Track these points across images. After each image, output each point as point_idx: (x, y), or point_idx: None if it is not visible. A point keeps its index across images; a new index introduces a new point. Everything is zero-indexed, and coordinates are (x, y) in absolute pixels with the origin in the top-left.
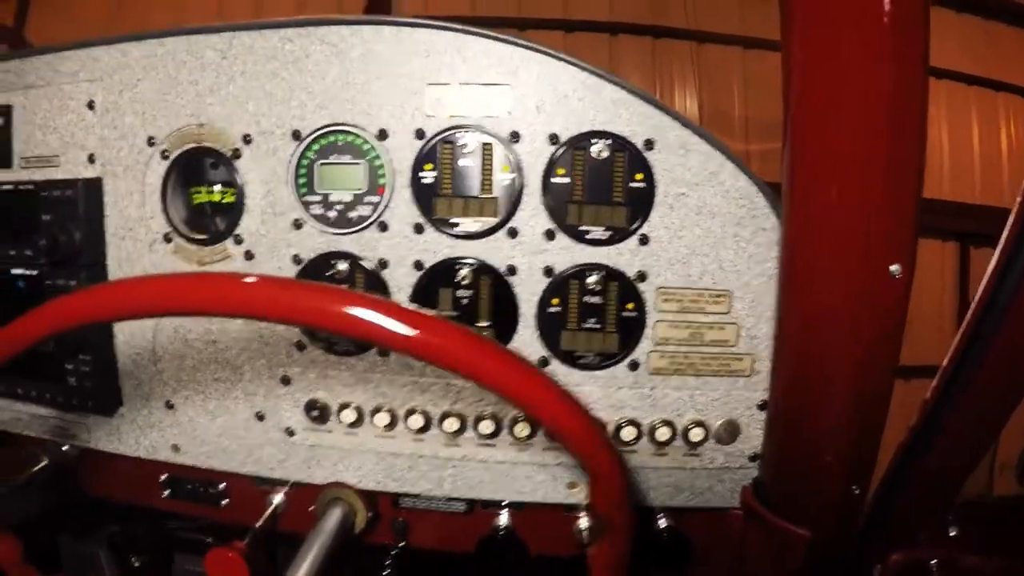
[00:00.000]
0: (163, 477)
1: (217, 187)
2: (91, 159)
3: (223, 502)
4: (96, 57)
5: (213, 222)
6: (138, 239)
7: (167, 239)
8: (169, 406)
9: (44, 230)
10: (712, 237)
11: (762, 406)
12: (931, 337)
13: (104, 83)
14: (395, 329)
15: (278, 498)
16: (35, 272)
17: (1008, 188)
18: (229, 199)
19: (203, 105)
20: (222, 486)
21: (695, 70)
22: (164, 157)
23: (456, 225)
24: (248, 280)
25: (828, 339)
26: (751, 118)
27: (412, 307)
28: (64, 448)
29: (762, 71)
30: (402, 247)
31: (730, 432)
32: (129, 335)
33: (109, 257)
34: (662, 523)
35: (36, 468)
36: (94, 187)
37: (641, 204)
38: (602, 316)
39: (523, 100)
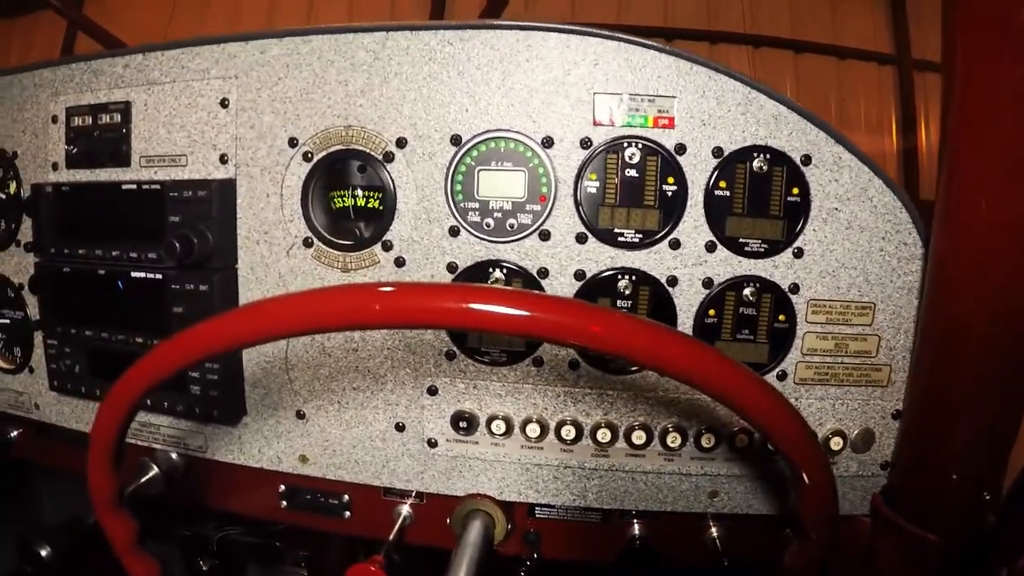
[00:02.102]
0: (282, 488)
1: (360, 191)
2: (223, 159)
3: (346, 514)
4: (232, 53)
5: (357, 227)
6: (275, 243)
7: (307, 243)
8: (300, 416)
9: (172, 232)
10: (860, 251)
11: (896, 415)
12: None
13: (240, 81)
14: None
15: (405, 510)
16: (159, 276)
17: None
18: (373, 204)
19: (353, 106)
20: (345, 498)
21: (752, 74)
22: (307, 159)
23: (619, 235)
24: (448, 289)
25: (967, 353)
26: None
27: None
28: (174, 457)
29: (812, 74)
30: (563, 256)
31: (866, 441)
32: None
33: (241, 262)
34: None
35: (145, 479)
36: (228, 188)
37: (797, 217)
38: (755, 327)
39: (689, 112)
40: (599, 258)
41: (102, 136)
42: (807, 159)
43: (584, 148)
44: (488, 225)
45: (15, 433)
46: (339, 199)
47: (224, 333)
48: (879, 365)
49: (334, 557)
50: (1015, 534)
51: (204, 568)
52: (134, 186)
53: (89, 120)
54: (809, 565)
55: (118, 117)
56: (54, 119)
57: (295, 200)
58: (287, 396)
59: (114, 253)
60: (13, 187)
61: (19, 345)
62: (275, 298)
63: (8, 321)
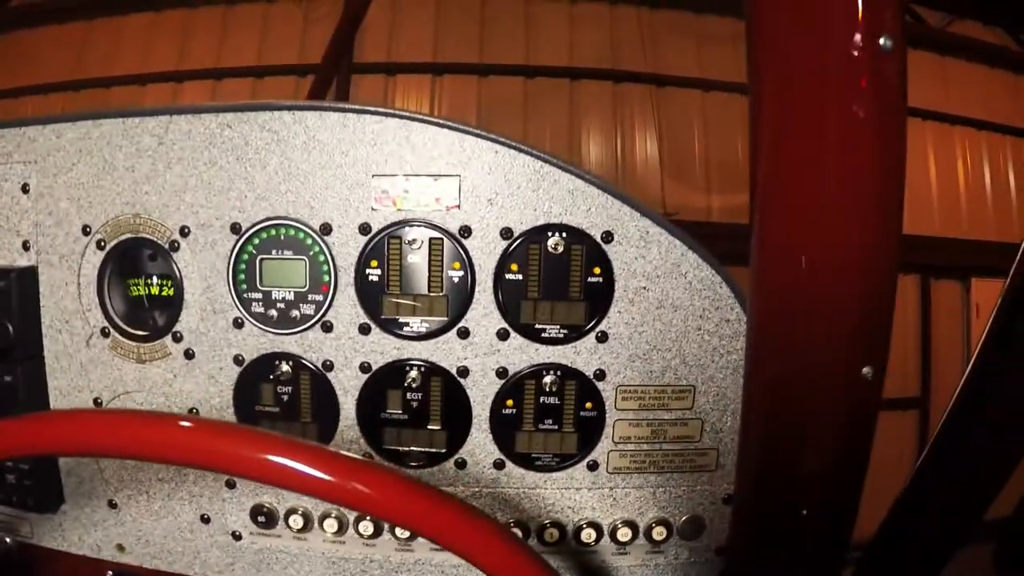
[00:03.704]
0: (109, 574)
1: (155, 279)
2: (25, 246)
3: None
4: (31, 137)
5: (152, 316)
6: (75, 333)
7: (104, 333)
8: (112, 505)
9: None
10: (674, 331)
11: (727, 500)
12: (896, 370)
13: (39, 165)
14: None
15: None
16: None
17: (966, 220)
18: (168, 292)
19: (139, 193)
20: None
21: (655, 113)
22: (100, 247)
23: (404, 325)
24: (184, 424)
25: (797, 436)
26: (711, 159)
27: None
28: (7, 541)
29: (721, 113)
30: (347, 348)
31: (695, 527)
32: None
33: (46, 351)
34: None
35: None
36: (29, 276)
37: (599, 299)
38: (559, 416)
39: (474, 191)
40: (385, 349)
41: None
42: (608, 236)
43: (364, 234)
44: (272, 316)
45: None
46: (135, 287)
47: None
48: (704, 450)
49: None
50: None
51: None
52: None
53: None
54: None
55: None
56: None
57: (91, 289)
58: (99, 485)
59: None
60: None
61: None
62: (51, 415)
63: None
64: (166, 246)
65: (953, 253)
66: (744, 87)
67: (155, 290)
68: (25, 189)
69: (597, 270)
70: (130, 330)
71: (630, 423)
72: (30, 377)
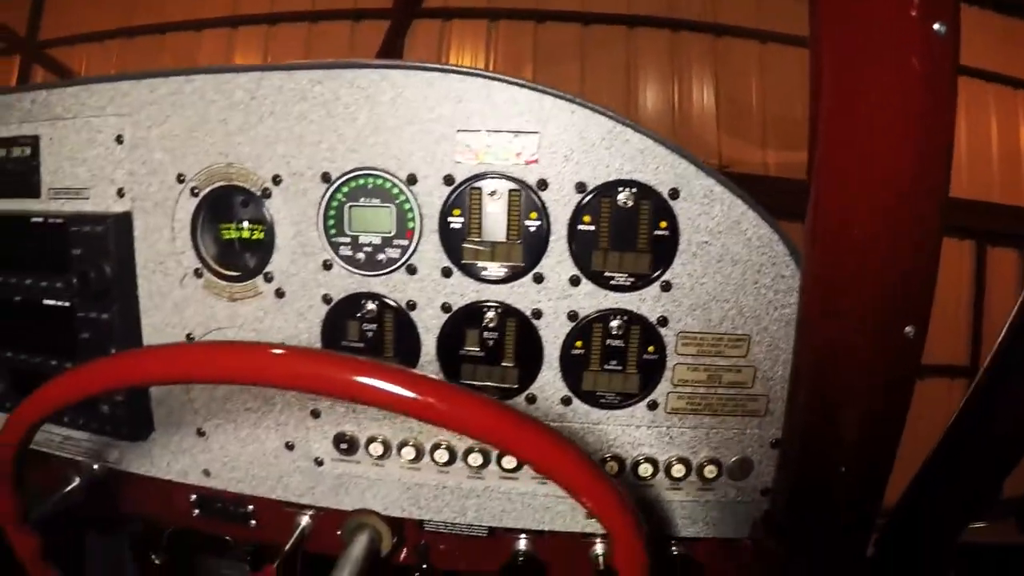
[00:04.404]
0: (193, 497)
1: (246, 224)
2: (120, 193)
3: (251, 523)
4: (124, 92)
5: (243, 258)
6: (169, 274)
7: (198, 274)
8: (200, 433)
9: (75, 265)
10: (733, 284)
11: (775, 444)
12: (946, 338)
13: (133, 118)
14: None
15: (305, 520)
16: (67, 304)
17: None
18: (259, 236)
19: (232, 144)
20: (251, 508)
21: (713, 63)
22: (194, 194)
23: (483, 269)
24: (276, 352)
25: (843, 384)
26: (768, 112)
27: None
28: (95, 468)
29: (779, 65)
30: (430, 290)
31: (743, 468)
32: None
33: (140, 290)
34: (675, 551)
35: (68, 488)
36: (124, 222)
37: (664, 251)
38: (623, 358)
39: (552, 147)
40: (465, 291)
41: (14, 168)
42: (675, 192)
43: (447, 184)
44: (359, 259)
45: None
46: (226, 231)
47: (114, 374)
48: (755, 395)
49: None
50: (893, 568)
51: (156, 562)
52: (41, 219)
53: (2, 152)
54: None
55: (28, 150)
56: None
57: (185, 233)
58: (188, 415)
59: (27, 282)
60: None
61: None
62: (163, 348)
63: None
64: (258, 193)
65: (1011, 220)
66: (803, 40)
67: (245, 234)
68: (119, 140)
69: (663, 224)
70: (222, 271)
71: (688, 367)
72: (125, 315)
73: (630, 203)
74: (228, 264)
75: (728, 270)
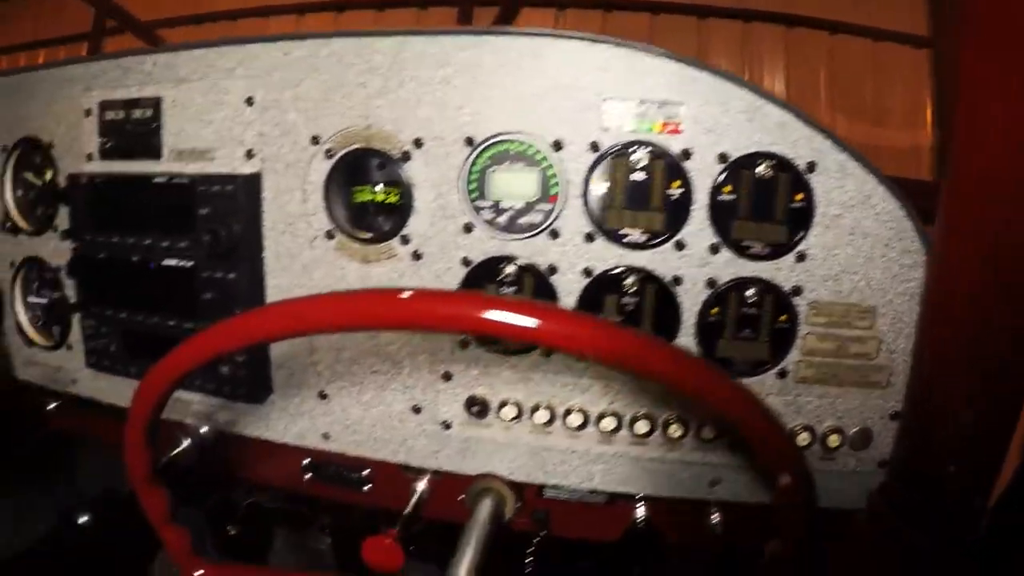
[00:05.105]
0: (306, 461)
1: (380, 187)
2: (249, 154)
3: (366, 487)
4: (255, 55)
5: (376, 220)
6: (298, 235)
7: (329, 236)
8: (322, 396)
9: (202, 224)
10: (862, 256)
11: (895, 416)
12: None
13: (264, 80)
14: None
15: (422, 485)
16: (189, 264)
17: None
18: (392, 199)
19: (371, 107)
20: (365, 472)
21: (785, 55)
22: (328, 156)
23: (626, 236)
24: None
25: (964, 357)
26: (836, 105)
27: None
28: (203, 431)
29: (846, 56)
30: (572, 254)
31: (864, 439)
32: None
33: (267, 251)
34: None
35: (177, 451)
36: (254, 183)
37: (800, 223)
38: (757, 327)
39: (695, 118)
40: (606, 257)
41: (134, 130)
42: (812, 166)
43: (593, 151)
44: (500, 222)
45: (52, 406)
46: (359, 194)
47: (260, 328)
48: (879, 367)
49: (357, 524)
50: (1005, 544)
51: (232, 533)
52: (164, 179)
53: (122, 114)
54: (790, 558)
55: (149, 112)
56: (87, 112)
57: (318, 194)
58: (311, 377)
59: (146, 242)
60: (50, 175)
61: (58, 323)
62: (310, 299)
63: (46, 301)
64: (397, 156)
65: None
66: (874, 31)
67: (379, 197)
68: (249, 102)
69: (799, 196)
70: (355, 233)
71: (818, 337)
72: (252, 275)
73: (769, 175)
74: (359, 226)
75: (859, 243)
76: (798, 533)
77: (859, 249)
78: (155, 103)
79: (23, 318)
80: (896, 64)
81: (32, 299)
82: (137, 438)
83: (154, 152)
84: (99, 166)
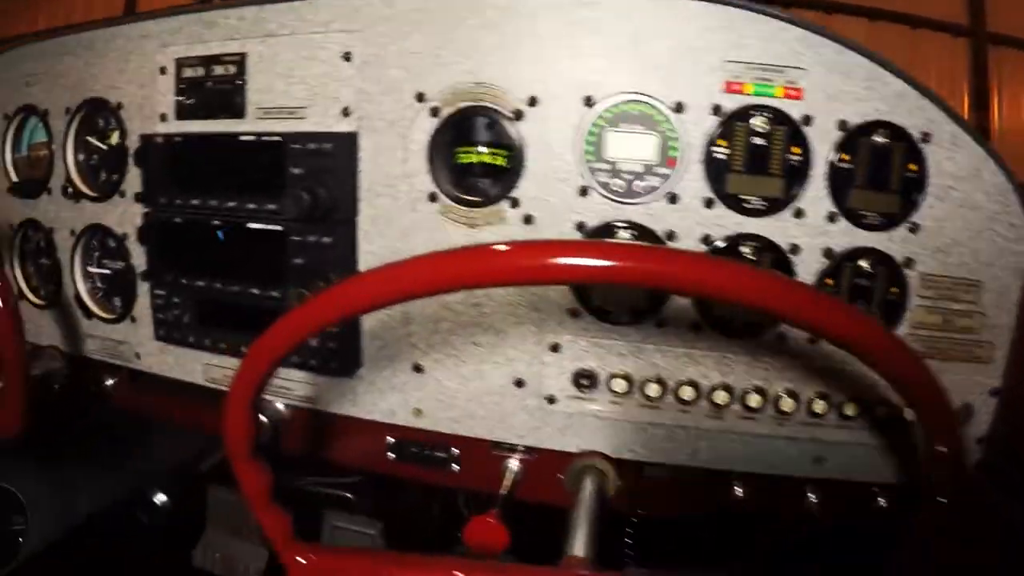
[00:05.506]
0: (389, 440)
1: (486, 148)
2: (345, 112)
3: (453, 467)
4: (356, 7)
5: (481, 182)
6: (398, 197)
7: (432, 198)
8: (417, 369)
9: (294, 184)
10: (971, 230)
11: (995, 392)
12: None
13: (364, 35)
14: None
15: (515, 464)
16: (279, 228)
17: None
18: (499, 161)
19: (483, 63)
20: (454, 451)
21: None
22: (434, 114)
23: (745, 202)
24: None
25: None
26: None
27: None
28: (282, 408)
29: (884, 43)
30: (690, 220)
31: (965, 414)
32: None
33: (362, 214)
34: (882, 502)
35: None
36: (351, 141)
37: (912, 193)
38: (869, 299)
39: (816, 84)
40: (725, 223)
41: (215, 88)
42: (926, 136)
43: (715, 115)
44: (617, 186)
45: (111, 382)
46: (464, 155)
47: (383, 290)
48: (982, 342)
49: (406, 510)
50: None
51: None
52: (252, 138)
53: (201, 72)
54: (938, 525)
55: (232, 69)
56: (162, 70)
57: (421, 155)
58: (405, 349)
59: (230, 204)
60: (116, 138)
61: (120, 295)
62: (425, 258)
63: (109, 271)
64: (509, 115)
65: None
66: (913, 19)
67: (487, 158)
68: (347, 57)
69: (913, 167)
70: (460, 195)
71: (927, 310)
72: (349, 240)
73: (885, 144)
74: (463, 188)
75: (968, 215)
76: (945, 501)
77: (968, 222)
78: (240, 59)
79: (83, 288)
80: (932, 51)
81: (93, 269)
82: (241, 411)
83: (237, 111)
84: (175, 126)
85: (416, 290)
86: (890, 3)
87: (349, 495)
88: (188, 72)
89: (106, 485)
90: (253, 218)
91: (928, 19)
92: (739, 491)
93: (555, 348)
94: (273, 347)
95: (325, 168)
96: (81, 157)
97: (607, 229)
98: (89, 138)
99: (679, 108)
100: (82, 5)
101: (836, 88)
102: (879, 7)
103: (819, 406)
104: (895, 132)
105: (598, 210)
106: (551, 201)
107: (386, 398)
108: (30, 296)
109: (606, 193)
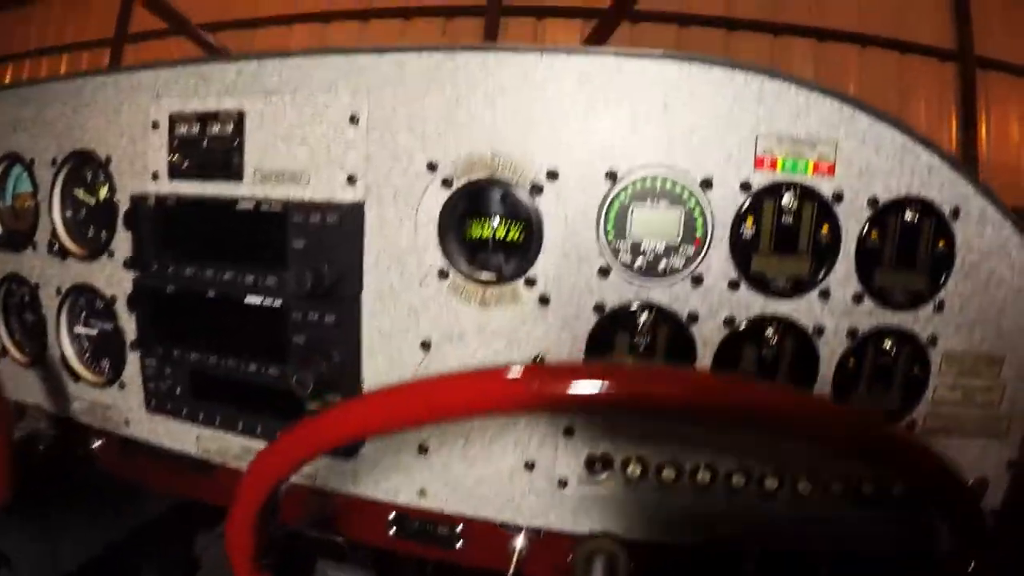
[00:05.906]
0: (391, 515)
1: (501, 222)
2: (351, 180)
3: (457, 544)
4: (363, 66)
5: (491, 259)
6: (406, 272)
7: (442, 275)
8: (422, 450)
9: (295, 259)
10: (996, 305)
11: (1011, 465)
12: None
13: (373, 96)
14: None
15: (520, 543)
16: (278, 303)
17: None
18: (514, 236)
19: (499, 132)
20: (458, 529)
21: (814, 69)
22: (446, 185)
23: (771, 283)
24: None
25: None
26: None
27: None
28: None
29: (874, 68)
30: (714, 302)
31: (980, 488)
32: (384, 380)
33: (367, 289)
34: None
35: None
36: (357, 212)
37: (940, 270)
38: (890, 378)
39: (848, 159)
40: (750, 305)
41: (211, 147)
42: (956, 212)
43: (744, 191)
44: (639, 265)
45: (98, 444)
46: (475, 228)
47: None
48: (1000, 417)
49: (401, 560)
50: None
51: (266, 563)
52: (251, 205)
53: (196, 129)
54: None
55: (230, 127)
56: (155, 125)
57: (431, 227)
58: (410, 431)
59: (226, 276)
60: (104, 192)
61: (108, 358)
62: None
63: (96, 332)
64: (527, 188)
65: None
66: (901, 44)
67: (500, 233)
68: (353, 120)
69: (942, 243)
70: (472, 272)
71: (948, 387)
72: (349, 318)
73: (915, 221)
74: (476, 264)
75: (993, 292)
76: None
77: (993, 298)
78: (237, 117)
79: (69, 350)
80: (920, 76)
81: (80, 329)
82: (247, 519)
83: (235, 173)
84: (167, 187)
85: (421, 418)
86: (880, 29)
87: (343, 544)
88: (182, 129)
89: (93, 542)
90: (251, 291)
91: (917, 44)
92: (753, 567)
93: (569, 432)
94: (289, 454)
95: (329, 242)
96: (69, 213)
97: (625, 311)
98: (76, 191)
99: (707, 184)
100: (73, 26)
101: (868, 162)
102: (869, 33)
103: (837, 487)
104: (925, 208)
105: (618, 292)
106: (569, 281)
107: (389, 478)
108: (14, 352)
109: (627, 273)
